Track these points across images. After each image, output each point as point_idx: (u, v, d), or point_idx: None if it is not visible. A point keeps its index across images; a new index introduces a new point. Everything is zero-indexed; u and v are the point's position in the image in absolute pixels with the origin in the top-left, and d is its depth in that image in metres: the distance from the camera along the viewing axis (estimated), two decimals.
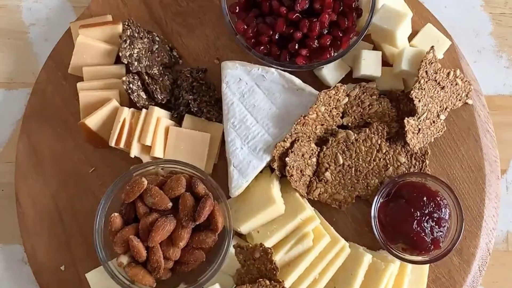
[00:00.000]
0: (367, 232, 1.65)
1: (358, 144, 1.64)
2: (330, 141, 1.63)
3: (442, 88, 1.65)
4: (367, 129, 1.64)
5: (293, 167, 1.60)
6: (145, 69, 1.64)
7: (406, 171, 1.65)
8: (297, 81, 1.65)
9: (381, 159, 1.65)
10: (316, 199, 1.65)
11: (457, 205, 1.59)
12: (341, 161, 1.63)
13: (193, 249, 1.57)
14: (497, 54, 1.82)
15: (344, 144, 1.64)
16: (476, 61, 1.79)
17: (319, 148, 1.65)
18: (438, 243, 1.57)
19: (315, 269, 1.58)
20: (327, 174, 1.64)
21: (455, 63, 1.73)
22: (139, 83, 1.66)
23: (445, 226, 1.59)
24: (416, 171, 1.65)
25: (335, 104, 1.63)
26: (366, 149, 1.64)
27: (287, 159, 1.59)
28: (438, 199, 1.59)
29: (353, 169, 1.64)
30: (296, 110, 1.63)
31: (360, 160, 1.64)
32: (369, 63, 1.65)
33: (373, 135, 1.64)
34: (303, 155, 1.62)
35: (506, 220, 1.75)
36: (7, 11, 1.82)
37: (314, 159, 1.64)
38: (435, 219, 1.58)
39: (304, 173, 1.63)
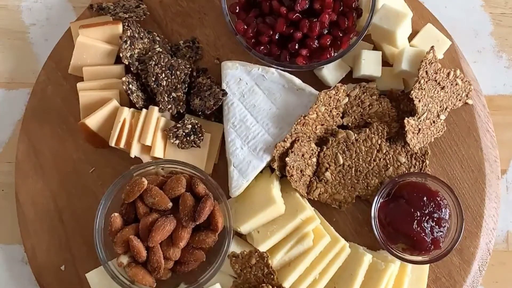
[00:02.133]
0: (367, 232, 1.65)
1: (358, 144, 1.64)
2: (330, 141, 1.63)
3: (442, 88, 1.65)
4: (367, 129, 1.64)
5: (293, 167, 1.60)
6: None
7: (406, 171, 1.65)
8: (297, 81, 1.65)
9: (381, 159, 1.64)
10: (316, 199, 1.65)
11: (457, 205, 1.59)
12: (341, 161, 1.63)
13: (193, 249, 1.57)
14: (497, 54, 1.82)
15: (345, 144, 1.64)
16: (476, 61, 1.79)
17: (319, 148, 1.65)
18: (438, 243, 1.57)
19: (315, 269, 1.58)
20: (327, 174, 1.64)
21: (455, 63, 1.73)
22: (138, 84, 1.66)
23: (445, 226, 1.59)
24: (416, 171, 1.65)
25: (335, 104, 1.63)
26: (366, 149, 1.64)
27: (287, 159, 1.59)
28: (438, 199, 1.59)
29: (353, 169, 1.64)
30: (296, 110, 1.63)
31: (360, 160, 1.64)
32: (369, 63, 1.65)
33: (373, 135, 1.64)
34: (303, 155, 1.61)
35: (506, 220, 1.75)
36: (7, 11, 1.82)
37: (314, 159, 1.64)
38: (435, 219, 1.58)
39: (304, 173, 1.63)
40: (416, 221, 1.56)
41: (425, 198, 1.58)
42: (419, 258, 1.59)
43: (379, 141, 1.65)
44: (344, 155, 1.64)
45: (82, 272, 1.62)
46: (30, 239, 1.66)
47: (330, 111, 1.63)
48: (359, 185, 1.65)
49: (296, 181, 1.60)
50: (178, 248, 1.55)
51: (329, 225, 1.64)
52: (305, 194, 1.64)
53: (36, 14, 1.81)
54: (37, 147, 1.69)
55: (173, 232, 1.55)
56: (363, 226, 1.66)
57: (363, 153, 1.64)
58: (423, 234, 1.56)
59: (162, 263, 1.54)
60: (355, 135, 1.64)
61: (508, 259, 1.73)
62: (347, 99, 1.64)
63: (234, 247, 1.59)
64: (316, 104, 1.59)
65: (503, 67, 1.81)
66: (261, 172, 1.63)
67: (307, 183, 1.64)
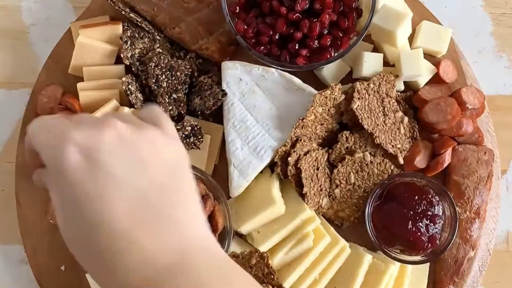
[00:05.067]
0: (367, 232, 1.65)
1: (372, 167, 1.64)
2: (346, 159, 1.63)
3: (383, 108, 1.65)
4: (383, 155, 1.65)
5: (294, 166, 1.59)
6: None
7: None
8: (297, 81, 1.65)
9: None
10: (321, 213, 1.64)
11: (448, 198, 1.59)
12: (353, 180, 1.63)
13: None
14: (497, 54, 1.82)
15: (359, 164, 1.63)
16: (476, 61, 1.79)
17: (320, 148, 1.65)
18: (434, 240, 1.57)
19: (315, 269, 1.58)
20: (337, 191, 1.63)
21: (455, 63, 1.73)
22: (137, 84, 1.66)
23: (439, 222, 1.58)
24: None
25: (332, 103, 1.62)
26: (378, 172, 1.64)
27: (289, 158, 1.58)
28: (430, 196, 1.58)
29: (362, 189, 1.64)
30: (296, 110, 1.62)
31: (371, 182, 1.64)
32: (371, 65, 1.65)
33: (387, 160, 1.64)
34: (317, 168, 1.61)
35: (507, 220, 1.75)
36: (7, 11, 1.81)
37: (327, 171, 1.63)
38: (429, 216, 1.57)
39: (321, 183, 1.62)
40: (410, 221, 1.56)
41: (416, 197, 1.58)
42: (417, 258, 1.59)
43: (392, 167, 1.65)
44: (356, 175, 1.64)
45: (82, 272, 1.62)
46: (30, 239, 1.66)
47: (328, 110, 1.63)
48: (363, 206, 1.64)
49: (297, 180, 1.60)
50: None
51: (329, 225, 1.64)
52: (315, 205, 1.62)
53: (36, 14, 1.81)
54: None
55: None
56: (363, 226, 1.65)
57: (374, 176, 1.64)
58: (419, 233, 1.56)
59: None
60: (371, 157, 1.64)
61: (508, 260, 1.73)
62: (343, 97, 1.64)
63: (234, 247, 1.59)
64: (312, 106, 1.59)
65: (503, 67, 1.82)
66: (261, 172, 1.63)
67: (320, 188, 1.63)
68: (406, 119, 1.65)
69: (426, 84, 1.69)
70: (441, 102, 1.62)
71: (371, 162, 1.64)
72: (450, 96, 1.66)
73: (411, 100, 1.68)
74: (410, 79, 1.67)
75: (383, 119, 1.64)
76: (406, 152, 1.65)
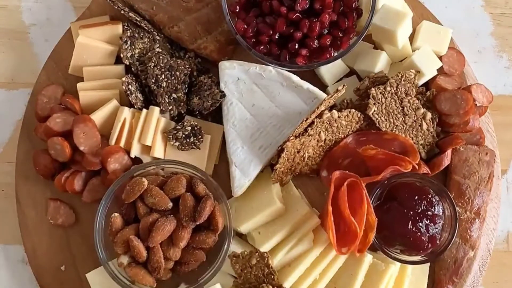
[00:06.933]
0: None
1: (340, 120, 1.62)
2: (315, 123, 1.60)
3: (403, 110, 1.64)
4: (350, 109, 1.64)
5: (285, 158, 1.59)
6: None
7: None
8: (295, 78, 1.65)
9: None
10: (297, 173, 1.65)
11: (448, 198, 1.59)
12: (323, 137, 1.62)
13: (193, 249, 1.57)
14: (497, 54, 1.82)
15: (328, 122, 1.62)
16: (476, 61, 1.79)
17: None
18: (434, 240, 1.57)
19: (316, 269, 1.58)
20: (310, 150, 1.63)
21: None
22: (137, 84, 1.66)
23: (439, 222, 1.58)
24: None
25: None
26: (346, 123, 1.63)
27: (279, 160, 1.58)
28: (430, 197, 1.58)
29: (333, 141, 1.64)
30: (294, 107, 1.63)
31: (341, 133, 1.64)
32: (384, 62, 1.67)
33: (353, 110, 1.62)
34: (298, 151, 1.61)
35: (506, 220, 1.75)
36: (7, 11, 1.81)
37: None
38: (429, 217, 1.57)
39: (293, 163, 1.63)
40: (410, 221, 1.56)
41: (416, 197, 1.58)
42: (417, 258, 1.59)
43: (359, 114, 1.63)
44: (326, 132, 1.63)
45: (82, 272, 1.62)
46: (30, 239, 1.66)
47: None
48: None
49: (280, 167, 1.59)
50: (178, 248, 1.55)
51: None
52: (287, 179, 1.63)
53: (36, 14, 1.81)
54: (37, 147, 1.69)
55: (173, 232, 1.55)
56: None
57: (343, 127, 1.64)
58: (419, 233, 1.56)
59: (162, 263, 1.54)
60: (338, 113, 1.62)
61: (508, 259, 1.74)
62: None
63: (235, 247, 1.59)
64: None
65: (503, 67, 1.82)
66: (261, 171, 1.63)
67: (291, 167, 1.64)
68: (429, 114, 1.64)
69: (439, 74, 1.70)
70: (457, 95, 1.61)
71: (339, 117, 1.62)
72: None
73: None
74: (432, 76, 1.68)
75: (403, 119, 1.63)
76: (429, 146, 1.65)
